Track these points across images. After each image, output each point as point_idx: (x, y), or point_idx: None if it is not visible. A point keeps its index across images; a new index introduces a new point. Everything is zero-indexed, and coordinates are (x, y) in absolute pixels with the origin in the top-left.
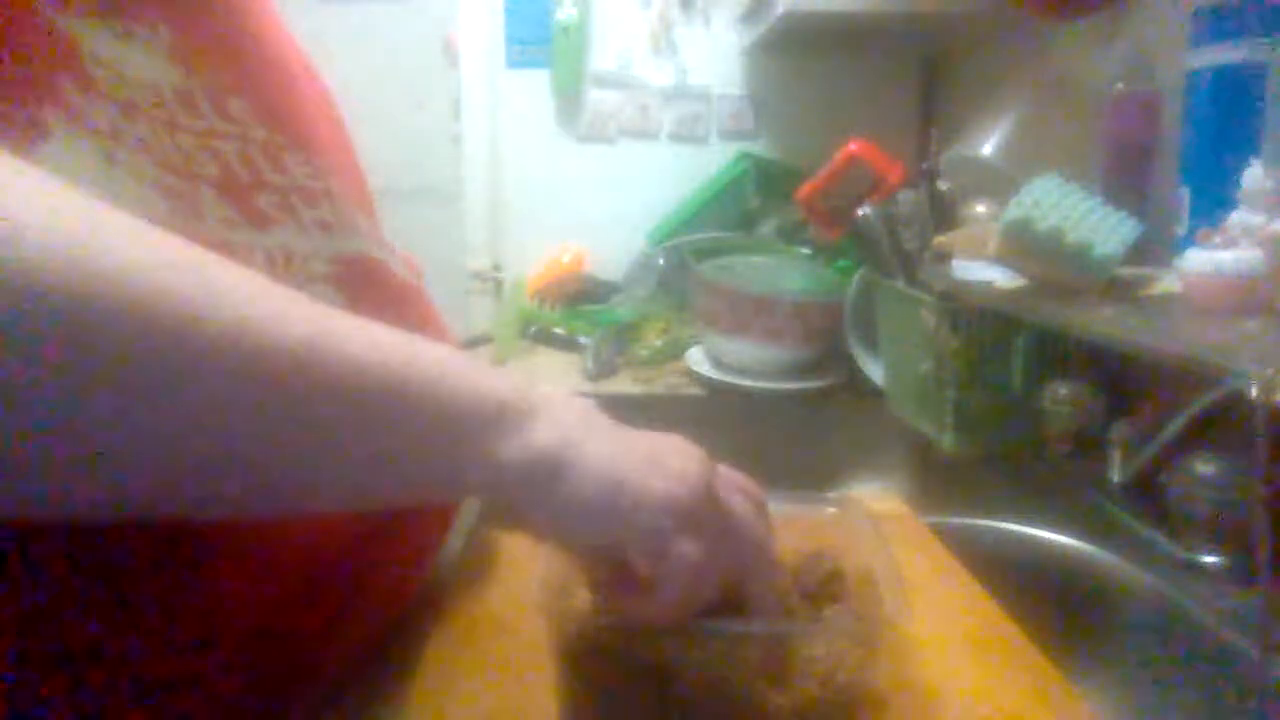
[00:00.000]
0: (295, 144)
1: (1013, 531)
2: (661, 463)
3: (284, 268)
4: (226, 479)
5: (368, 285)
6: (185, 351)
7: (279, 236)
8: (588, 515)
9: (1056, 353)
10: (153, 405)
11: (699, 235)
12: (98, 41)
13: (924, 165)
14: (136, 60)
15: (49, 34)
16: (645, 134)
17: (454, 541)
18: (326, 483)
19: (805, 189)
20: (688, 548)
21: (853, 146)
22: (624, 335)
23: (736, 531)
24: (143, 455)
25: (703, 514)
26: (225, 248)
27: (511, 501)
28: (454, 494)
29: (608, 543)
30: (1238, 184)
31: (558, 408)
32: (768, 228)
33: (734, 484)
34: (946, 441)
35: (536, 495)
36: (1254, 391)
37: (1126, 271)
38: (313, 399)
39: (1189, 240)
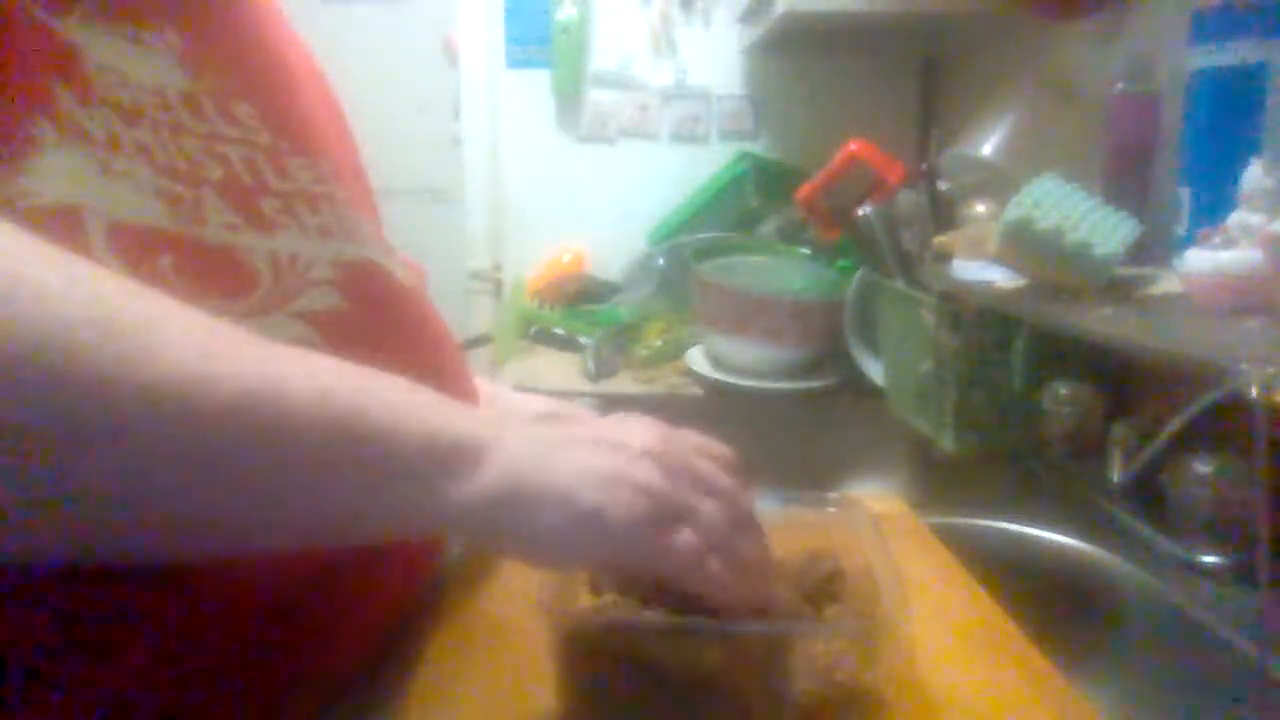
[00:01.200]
0: (299, 150)
1: (1013, 531)
2: (625, 474)
3: (288, 270)
4: (157, 527)
5: (368, 290)
6: (98, 410)
7: (282, 240)
8: (560, 547)
9: (1056, 353)
10: (62, 462)
11: (699, 235)
12: (102, 47)
13: (924, 165)
14: (143, 65)
15: (46, 42)
16: (645, 134)
17: (454, 541)
18: (268, 527)
19: (805, 189)
20: (680, 538)
21: (853, 146)
22: (624, 335)
23: (716, 496)
24: (57, 508)
25: (678, 500)
26: (228, 251)
27: (479, 538)
28: (410, 535)
29: (599, 565)
30: (1238, 184)
31: (513, 441)
32: (768, 228)
33: (698, 450)
34: (946, 441)
35: (501, 532)
36: (1254, 391)
37: (1126, 271)
38: (246, 449)
39: (1189, 240)
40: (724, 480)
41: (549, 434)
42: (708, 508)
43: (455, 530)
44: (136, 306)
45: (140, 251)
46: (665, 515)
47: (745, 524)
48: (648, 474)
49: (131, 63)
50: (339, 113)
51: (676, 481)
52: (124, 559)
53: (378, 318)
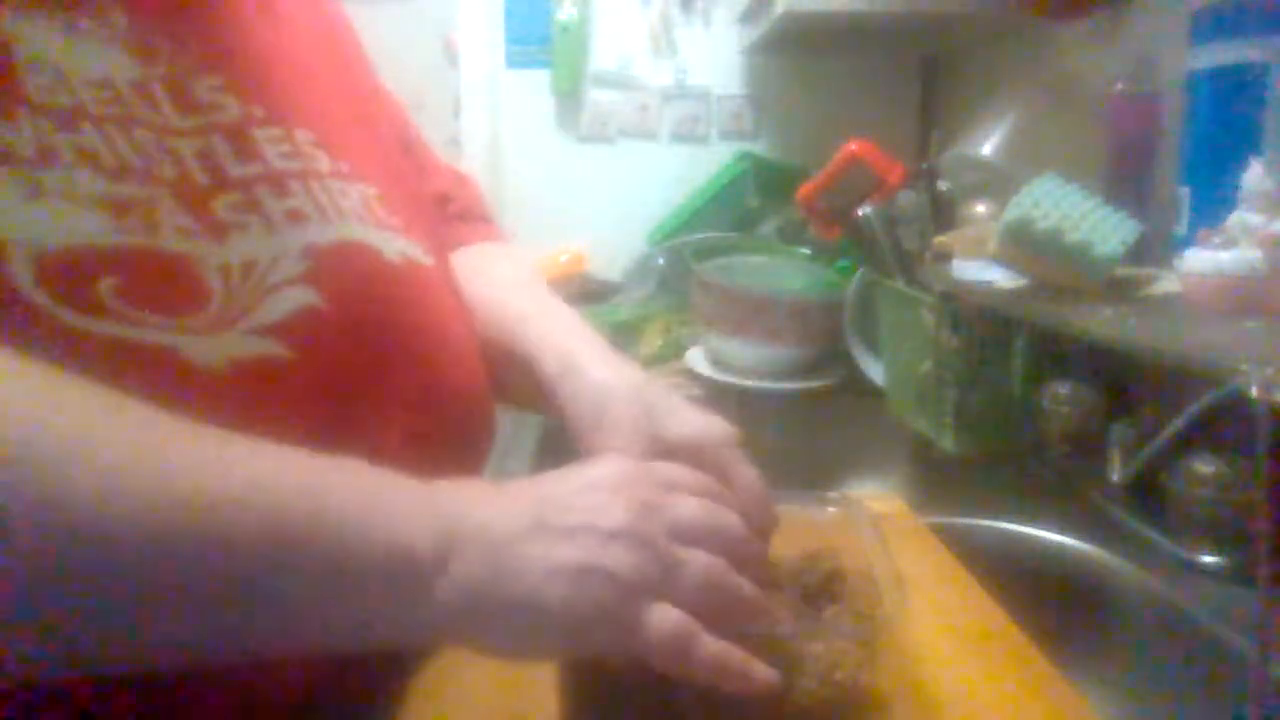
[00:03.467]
0: (276, 117)
1: (1013, 531)
2: (594, 564)
3: (241, 281)
4: (68, 646)
5: (349, 276)
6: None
7: (239, 245)
8: (535, 649)
9: (1056, 353)
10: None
11: (699, 235)
12: (36, 42)
13: (924, 165)
14: (84, 56)
15: None
16: (645, 134)
17: None
18: (204, 642)
19: (805, 189)
20: (656, 621)
21: (853, 146)
22: (624, 335)
23: (703, 540)
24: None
25: (653, 577)
26: (182, 262)
27: (449, 643)
28: (370, 648)
29: (588, 655)
30: (1238, 184)
31: (474, 547)
32: (768, 228)
33: (678, 487)
34: (946, 441)
35: (471, 640)
36: (1254, 391)
37: (1126, 271)
38: (175, 577)
39: (1189, 240)
40: (710, 517)
41: (515, 525)
42: (692, 567)
43: (415, 643)
44: (51, 433)
45: (74, 279)
46: (640, 598)
47: (742, 555)
48: (617, 559)
49: (71, 56)
50: (348, 63)
51: (651, 554)
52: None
53: (361, 310)
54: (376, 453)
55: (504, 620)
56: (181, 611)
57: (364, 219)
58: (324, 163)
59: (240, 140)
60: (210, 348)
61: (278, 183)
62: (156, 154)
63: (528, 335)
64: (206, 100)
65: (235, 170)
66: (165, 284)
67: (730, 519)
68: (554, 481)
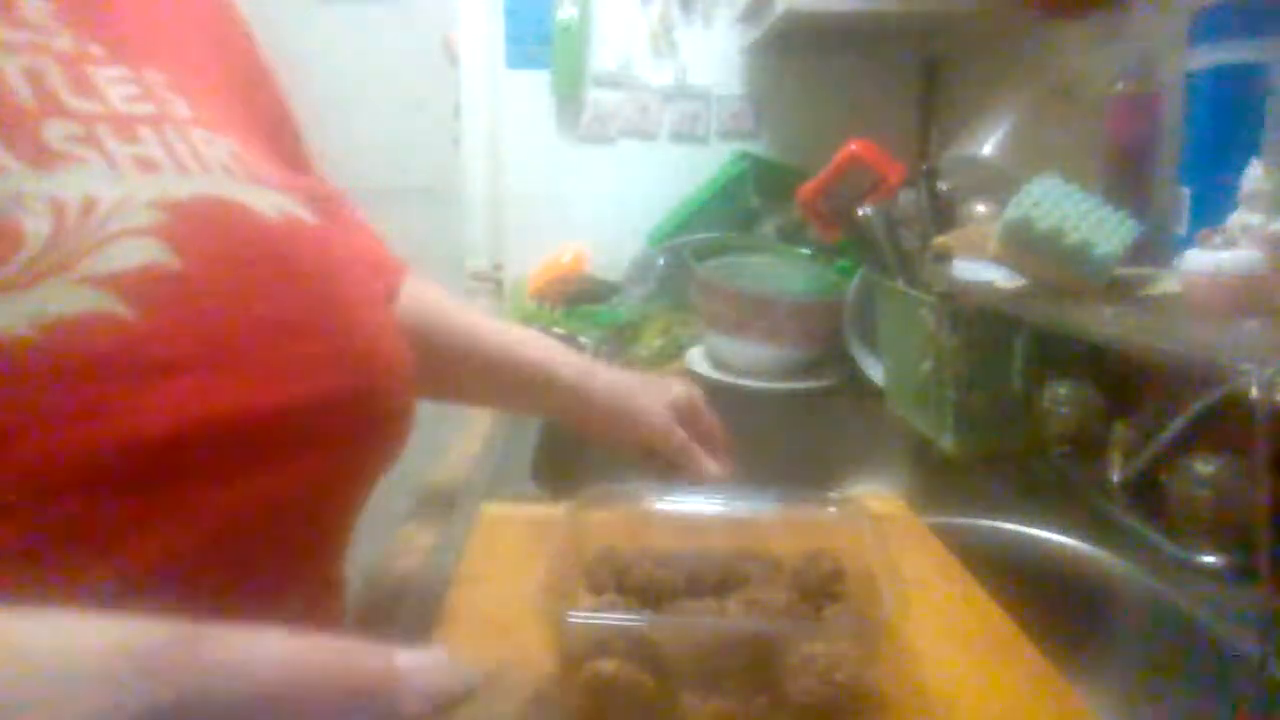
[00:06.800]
0: (118, 57)
1: (1013, 531)
2: None
3: (79, 219)
4: None
5: (211, 235)
6: None
7: (75, 179)
8: None
9: (1056, 353)
10: None
11: (699, 235)
12: None
13: (924, 165)
14: None
15: None
16: (645, 134)
17: (456, 540)
18: None
19: (805, 189)
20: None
21: (853, 146)
22: (624, 335)
23: None
24: None
25: None
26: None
27: None
28: None
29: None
30: (1238, 184)
31: None
32: (768, 228)
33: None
34: (946, 441)
35: None
36: (1254, 391)
37: (1126, 271)
38: None
39: (1189, 240)
40: None
41: None
42: None
43: None
44: None
45: None
46: None
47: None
48: None
49: None
50: (220, 19)
51: None
52: None
53: (225, 274)
54: (253, 435)
55: None
56: None
57: (231, 171)
58: (182, 108)
59: (76, 75)
60: (30, 301)
61: (124, 126)
62: None
63: (525, 351)
64: (33, 19)
65: (72, 102)
66: None
67: None
68: None
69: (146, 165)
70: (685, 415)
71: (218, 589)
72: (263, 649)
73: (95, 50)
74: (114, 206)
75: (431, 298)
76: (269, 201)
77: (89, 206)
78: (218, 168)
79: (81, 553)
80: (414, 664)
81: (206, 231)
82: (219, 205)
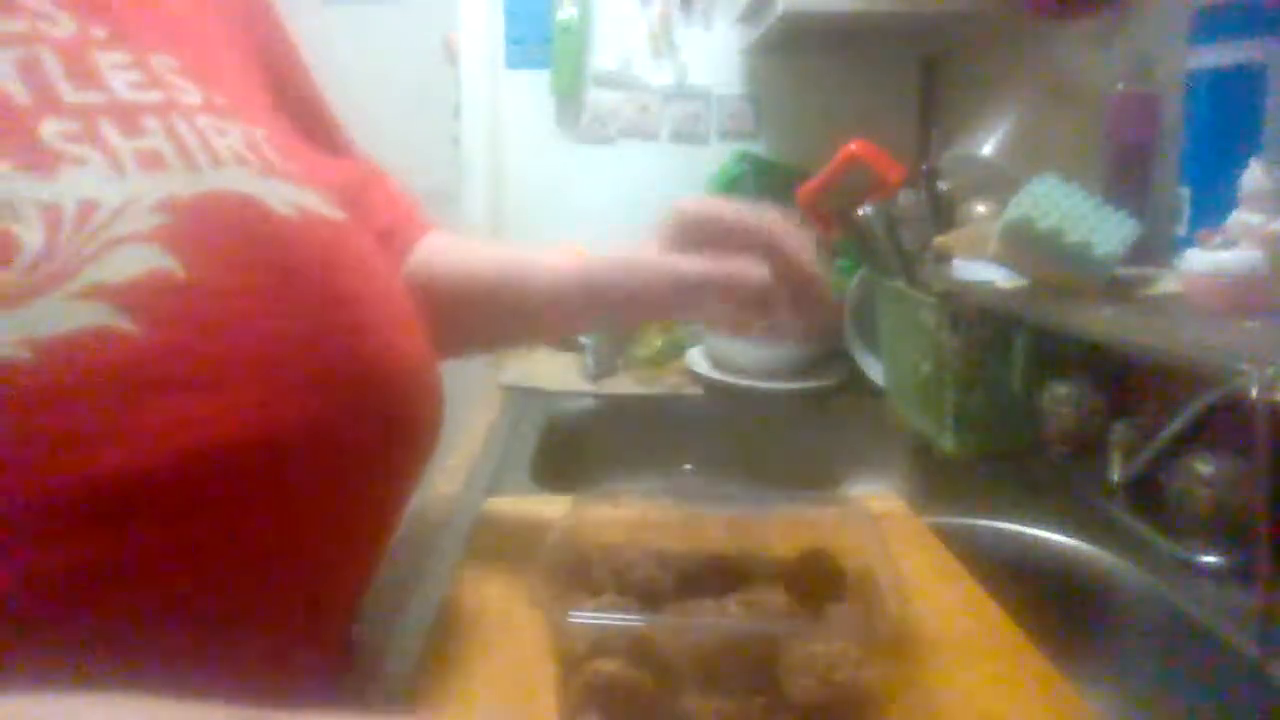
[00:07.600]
0: (123, 41)
1: (1013, 531)
2: None
3: (76, 227)
4: None
5: (218, 238)
6: None
7: (74, 182)
8: None
9: (1056, 353)
10: None
11: None
12: None
13: (924, 165)
14: None
15: None
16: (645, 134)
17: (455, 540)
18: None
19: (805, 189)
20: None
21: (853, 146)
22: (624, 335)
23: None
24: None
25: None
26: None
27: None
28: None
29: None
30: (1238, 184)
31: None
32: None
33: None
34: (946, 441)
35: None
36: (1254, 391)
37: (1126, 271)
38: None
39: (1189, 240)
40: None
41: None
42: None
43: None
44: None
45: None
46: None
47: None
48: None
49: None
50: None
51: None
52: None
53: (233, 281)
54: (267, 445)
55: None
56: None
57: (245, 162)
58: (193, 95)
59: (77, 63)
60: (26, 319)
61: (128, 117)
62: None
63: (557, 263)
64: (31, 4)
65: (71, 96)
66: None
67: None
68: None
69: (151, 161)
70: (693, 232)
71: (229, 633)
72: None
73: (98, 33)
74: (115, 210)
75: (442, 256)
76: (283, 196)
77: (88, 211)
78: (230, 159)
79: (80, 594)
80: None
81: (213, 234)
82: (228, 203)
